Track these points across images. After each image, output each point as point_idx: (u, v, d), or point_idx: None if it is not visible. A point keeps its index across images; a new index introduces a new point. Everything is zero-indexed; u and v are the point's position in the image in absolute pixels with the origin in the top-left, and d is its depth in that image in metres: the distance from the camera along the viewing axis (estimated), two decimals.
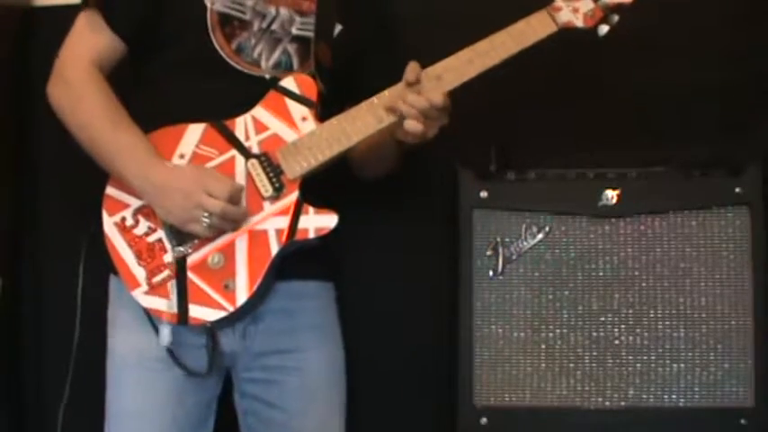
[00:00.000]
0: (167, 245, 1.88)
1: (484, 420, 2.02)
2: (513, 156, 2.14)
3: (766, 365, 1.98)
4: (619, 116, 2.27)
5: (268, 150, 1.90)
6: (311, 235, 1.87)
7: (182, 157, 1.89)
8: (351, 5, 2.03)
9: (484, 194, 2.07)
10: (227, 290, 1.86)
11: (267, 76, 1.95)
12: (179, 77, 1.94)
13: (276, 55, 1.97)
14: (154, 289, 1.86)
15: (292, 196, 1.89)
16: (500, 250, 2.05)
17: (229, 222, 1.85)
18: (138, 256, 1.88)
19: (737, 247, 2.01)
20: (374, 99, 1.90)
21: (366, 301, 2.26)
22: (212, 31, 1.93)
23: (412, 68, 1.87)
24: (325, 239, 1.90)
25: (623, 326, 2.02)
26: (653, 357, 2.01)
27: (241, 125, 1.92)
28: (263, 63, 1.96)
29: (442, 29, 2.28)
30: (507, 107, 2.26)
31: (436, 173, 2.25)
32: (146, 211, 1.89)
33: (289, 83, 1.93)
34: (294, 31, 1.98)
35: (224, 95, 1.93)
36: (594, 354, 2.02)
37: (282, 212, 1.88)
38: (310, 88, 1.93)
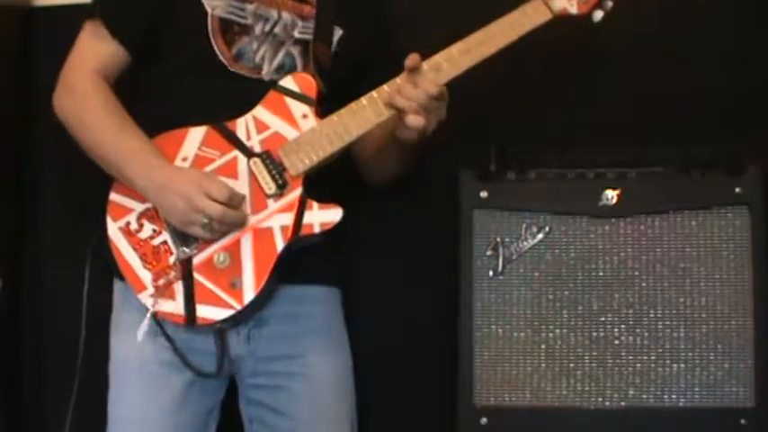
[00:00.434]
0: (172, 247, 1.88)
1: (484, 420, 2.02)
2: (513, 156, 2.14)
3: (766, 365, 1.98)
4: (619, 116, 2.27)
5: (270, 149, 1.90)
6: (316, 230, 1.87)
7: (184, 160, 1.90)
8: (350, 9, 2.03)
9: (484, 195, 2.07)
10: (234, 288, 1.86)
11: (267, 79, 1.96)
12: (181, 83, 1.95)
13: (279, 57, 1.97)
14: (160, 291, 1.87)
15: (296, 192, 1.89)
16: (500, 250, 2.05)
17: (228, 226, 1.85)
18: (144, 259, 1.88)
19: (737, 247, 2.01)
20: (373, 93, 1.90)
21: (366, 301, 2.26)
22: (213, 36, 1.94)
23: (412, 57, 1.87)
24: (331, 237, 1.90)
25: (623, 326, 2.02)
26: (653, 357, 2.00)
27: (242, 125, 1.92)
28: (265, 66, 1.96)
29: (442, 29, 2.28)
30: (507, 107, 2.26)
31: (436, 173, 2.25)
32: (150, 215, 1.89)
33: (288, 82, 1.94)
34: (296, 34, 1.99)
35: (225, 99, 1.94)
36: (594, 354, 2.02)
37: (287, 209, 1.88)
38: (309, 86, 1.93)
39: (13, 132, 2.39)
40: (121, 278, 1.91)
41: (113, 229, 1.90)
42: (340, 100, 1.93)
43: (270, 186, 1.89)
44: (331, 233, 1.89)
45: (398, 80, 1.88)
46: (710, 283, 2.01)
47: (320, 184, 1.92)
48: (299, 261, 1.91)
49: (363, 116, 1.90)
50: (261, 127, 1.92)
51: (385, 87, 1.89)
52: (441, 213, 2.20)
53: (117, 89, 1.96)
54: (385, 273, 2.32)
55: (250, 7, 1.96)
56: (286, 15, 1.99)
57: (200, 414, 1.95)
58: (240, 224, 1.86)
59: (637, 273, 2.03)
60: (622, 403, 2.01)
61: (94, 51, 1.96)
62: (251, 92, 1.94)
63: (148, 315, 1.85)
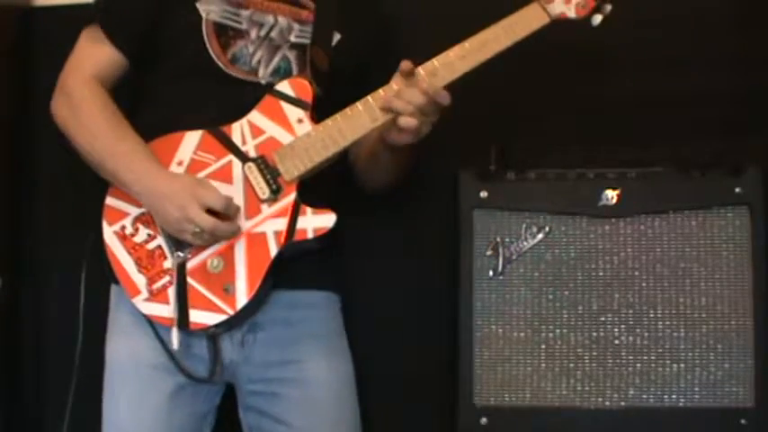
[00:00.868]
0: (167, 251, 1.88)
1: (484, 420, 2.02)
2: (513, 156, 2.14)
3: (766, 365, 1.98)
4: (619, 116, 2.27)
5: (264, 153, 1.90)
6: (310, 235, 1.87)
7: (180, 164, 1.90)
8: (349, 14, 2.03)
9: (484, 194, 2.07)
10: (228, 293, 1.86)
11: (263, 82, 1.96)
12: (177, 87, 1.96)
13: (275, 61, 1.98)
14: (154, 296, 1.87)
15: (290, 198, 1.89)
16: (500, 250, 2.05)
17: (220, 238, 1.85)
18: (139, 263, 1.88)
19: (737, 247, 2.01)
20: (369, 98, 1.90)
21: (366, 301, 2.26)
22: (208, 40, 1.94)
23: (405, 63, 1.86)
24: (327, 243, 1.90)
25: (623, 326, 2.02)
26: (653, 357, 2.00)
27: (237, 130, 1.92)
28: (261, 70, 1.96)
29: (442, 29, 2.28)
30: (507, 107, 2.26)
31: (436, 173, 2.25)
32: (145, 219, 1.90)
33: (283, 86, 1.94)
34: (293, 38, 1.99)
35: (221, 102, 1.94)
36: (594, 354, 2.02)
37: (280, 214, 1.88)
38: (305, 91, 1.93)
39: (13, 132, 2.39)
40: (116, 282, 1.91)
41: (109, 233, 1.90)
42: (336, 105, 1.92)
43: (264, 191, 1.89)
44: (327, 238, 1.89)
45: (394, 85, 1.88)
46: (710, 283, 2.01)
47: (315, 188, 1.91)
48: (294, 266, 1.91)
49: (359, 121, 1.89)
50: (256, 131, 1.92)
51: (380, 92, 1.89)
52: (441, 213, 2.20)
53: (116, 96, 1.96)
54: (385, 273, 2.32)
55: (245, 13, 1.97)
56: (282, 20, 1.99)
57: (193, 417, 1.95)
58: (231, 236, 1.86)
59: (637, 273, 2.03)
60: (622, 403, 2.01)
61: (92, 56, 1.96)
62: (247, 95, 1.94)
63: (175, 328, 1.84)
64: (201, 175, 1.89)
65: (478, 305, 2.05)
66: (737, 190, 2.02)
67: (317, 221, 1.88)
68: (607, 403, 2.01)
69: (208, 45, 1.94)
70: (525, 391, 2.03)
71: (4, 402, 2.33)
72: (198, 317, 1.86)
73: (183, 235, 1.84)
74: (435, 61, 1.89)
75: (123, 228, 1.90)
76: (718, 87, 2.24)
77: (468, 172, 2.09)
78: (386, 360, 2.27)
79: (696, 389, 1.99)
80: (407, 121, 1.84)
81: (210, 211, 1.82)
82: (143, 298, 1.87)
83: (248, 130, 1.92)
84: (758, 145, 2.17)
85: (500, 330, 2.04)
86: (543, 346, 2.03)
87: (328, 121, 1.90)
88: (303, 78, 1.95)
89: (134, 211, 1.91)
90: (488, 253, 2.06)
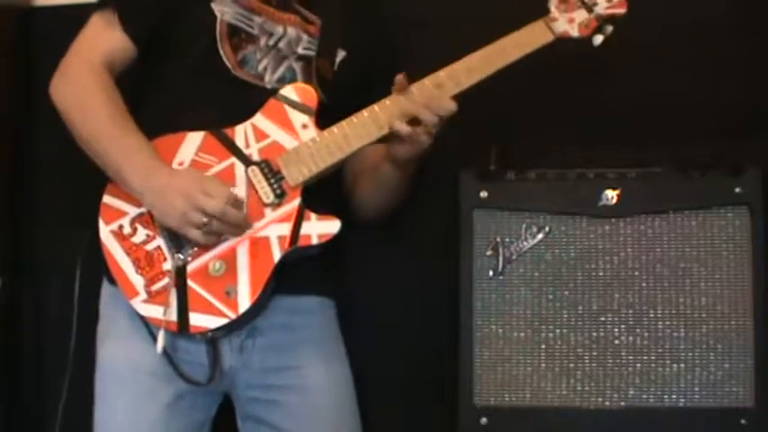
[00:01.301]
0: (166, 253, 1.86)
1: (484, 420, 2.02)
2: (513, 156, 2.14)
3: (766, 365, 1.98)
4: (619, 116, 2.27)
5: (268, 158, 1.90)
6: (314, 241, 1.87)
7: (181, 164, 1.89)
8: (353, 30, 2.04)
9: (484, 194, 2.07)
10: (229, 297, 1.84)
11: (269, 87, 1.96)
12: (183, 84, 1.95)
13: (281, 71, 1.98)
14: (153, 297, 1.85)
15: (294, 203, 1.88)
16: (500, 250, 2.05)
17: (228, 226, 1.83)
18: (137, 264, 1.86)
19: (737, 247, 2.01)
20: (375, 106, 1.90)
21: (366, 301, 2.26)
22: (220, 40, 1.94)
23: (399, 78, 1.88)
24: (327, 249, 1.89)
25: (623, 326, 2.02)
26: (653, 357, 2.00)
27: (241, 133, 1.92)
28: (267, 76, 1.97)
29: (441, 30, 2.28)
30: (507, 107, 2.26)
31: (436, 173, 2.25)
32: (144, 219, 1.88)
33: (289, 91, 1.94)
34: (300, 50, 1.99)
35: (226, 103, 1.93)
36: (594, 354, 2.02)
37: (284, 219, 1.88)
38: (310, 97, 1.93)
39: (13, 132, 2.39)
40: (113, 282, 1.89)
41: (105, 232, 1.89)
42: (341, 114, 1.92)
43: (268, 195, 1.88)
44: (329, 244, 1.88)
45: (401, 97, 1.89)
46: (710, 283, 2.01)
47: (319, 194, 1.91)
48: (295, 271, 1.90)
49: (365, 129, 1.90)
50: (260, 135, 1.92)
51: (386, 101, 1.90)
52: (441, 213, 2.20)
53: (119, 86, 1.95)
54: (385, 273, 2.32)
55: (258, 19, 1.97)
56: (291, 31, 1.99)
57: (190, 427, 1.93)
58: (239, 225, 1.85)
59: (637, 273, 2.03)
60: (622, 403, 2.01)
61: (102, 41, 1.94)
62: (252, 98, 1.93)
63: (162, 331, 1.82)
64: None
65: (478, 305, 2.05)
66: (737, 190, 2.02)
67: (321, 227, 1.87)
68: (607, 403, 2.01)
69: (219, 45, 1.93)
70: (525, 391, 2.03)
71: (4, 402, 2.33)
72: (198, 320, 1.84)
73: (187, 229, 1.81)
74: (442, 73, 1.91)
75: (121, 227, 1.88)
76: (718, 88, 2.24)
77: (468, 172, 2.09)
78: (386, 360, 2.27)
79: (696, 389, 1.99)
80: (401, 127, 1.86)
81: None
82: (141, 299, 1.85)
83: (252, 133, 1.92)
84: (758, 145, 2.17)
85: (500, 330, 2.04)
86: (543, 346, 2.03)
87: (334, 128, 1.91)
88: (309, 84, 1.95)
89: (132, 210, 1.89)
90: (488, 253, 2.06)
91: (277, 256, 1.86)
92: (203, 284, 1.85)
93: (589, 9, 1.98)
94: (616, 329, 2.02)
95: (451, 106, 1.87)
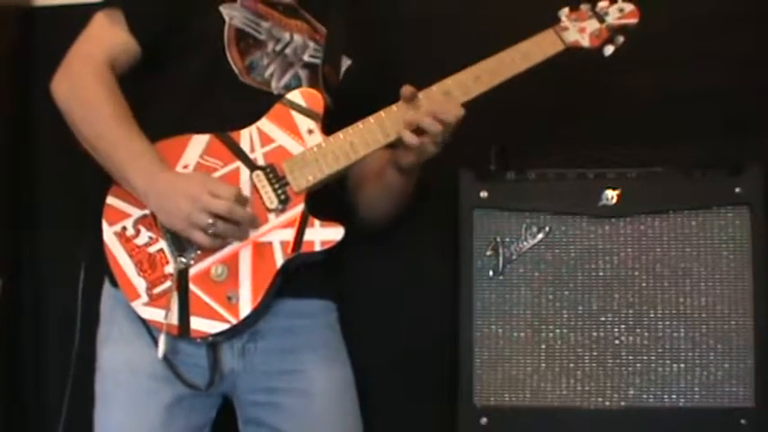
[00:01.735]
0: (169, 256, 1.86)
1: (484, 420, 2.02)
2: (513, 156, 2.14)
3: (766, 365, 1.98)
4: (619, 116, 2.27)
5: (273, 162, 1.89)
6: (317, 248, 1.86)
7: (185, 167, 1.89)
8: (359, 42, 2.04)
9: (484, 195, 2.07)
10: (230, 302, 1.84)
11: (276, 93, 1.95)
12: (189, 87, 1.94)
13: (287, 77, 1.97)
14: (154, 300, 1.84)
15: (298, 209, 1.88)
16: (500, 250, 2.05)
17: (234, 228, 1.82)
18: (139, 266, 1.86)
19: (737, 247, 2.01)
20: (381, 113, 1.90)
21: (366, 301, 2.26)
22: (228, 45, 1.93)
23: (406, 88, 1.88)
24: (330, 254, 1.88)
25: (623, 326, 2.02)
26: (653, 357, 2.00)
27: (246, 137, 1.91)
28: (273, 83, 1.96)
29: (441, 30, 2.28)
30: (508, 107, 2.25)
31: (436, 173, 2.25)
32: (147, 222, 1.87)
33: (295, 96, 1.93)
34: (306, 58, 1.99)
35: (232, 109, 1.92)
36: (594, 354, 2.02)
37: (288, 225, 1.87)
38: (317, 102, 1.92)
39: (13, 132, 2.39)
40: (115, 284, 1.89)
41: (108, 233, 1.88)
42: (347, 120, 1.91)
43: (272, 200, 1.87)
44: (331, 250, 1.87)
45: (408, 106, 1.89)
46: (710, 283, 2.01)
47: (323, 200, 1.91)
48: (298, 274, 1.90)
49: (371, 135, 1.89)
50: (265, 140, 1.91)
51: (393, 107, 1.90)
52: (441, 213, 2.20)
53: (123, 89, 1.94)
54: (385, 273, 2.32)
55: (265, 24, 1.96)
56: (298, 38, 1.99)
57: (190, 430, 1.92)
58: (246, 224, 1.84)
59: (637, 273, 2.03)
60: (622, 403, 2.00)
61: (106, 40, 1.93)
62: (259, 104, 1.93)
63: (162, 336, 1.81)
64: None
65: (478, 305, 2.05)
66: (737, 190, 2.02)
67: (324, 234, 1.87)
68: (607, 403, 2.01)
69: (227, 50, 1.93)
70: (525, 391, 2.03)
71: (4, 402, 2.33)
72: (199, 324, 1.83)
73: (192, 231, 1.81)
74: (450, 81, 1.91)
75: (124, 229, 1.88)
76: (718, 87, 2.24)
77: (468, 172, 2.09)
78: (386, 360, 2.27)
79: (696, 389, 1.99)
80: (409, 137, 1.85)
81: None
82: (143, 302, 1.84)
83: (257, 137, 1.91)
84: (758, 145, 2.17)
85: (500, 330, 2.04)
86: (543, 346, 2.03)
87: (340, 134, 1.90)
88: (315, 89, 1.94)
89: (136, 212, 1.88)
90: (488, 253, 2.06)
91: (279, 261, 1.85)
92: (205, 289, 1.85)
93: (600, 19, 1.97)
94: (616, 329, 2.02)
95: (459, 112, 1.87)
